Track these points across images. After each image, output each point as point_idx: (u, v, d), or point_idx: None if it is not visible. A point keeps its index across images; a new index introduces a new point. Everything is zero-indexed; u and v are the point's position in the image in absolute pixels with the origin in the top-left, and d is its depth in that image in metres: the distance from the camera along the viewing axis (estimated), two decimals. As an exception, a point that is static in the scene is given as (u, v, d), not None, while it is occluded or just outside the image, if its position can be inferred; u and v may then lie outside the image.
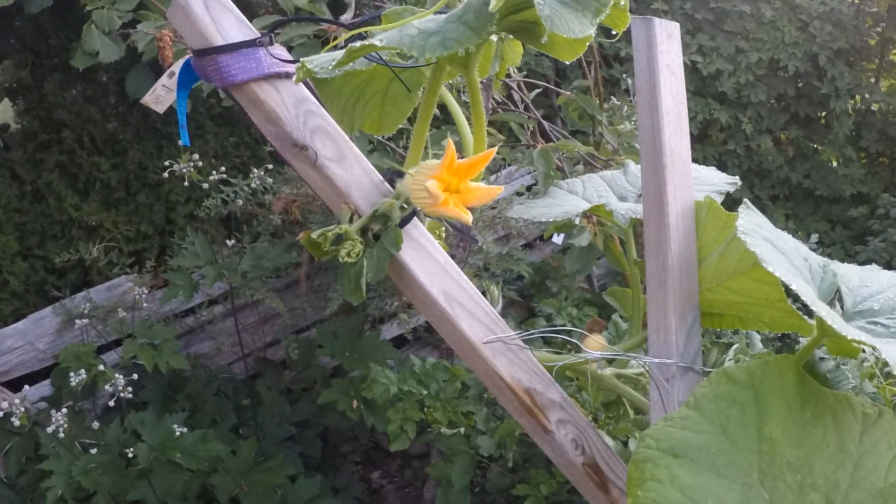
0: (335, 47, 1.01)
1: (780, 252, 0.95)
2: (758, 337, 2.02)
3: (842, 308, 1.01)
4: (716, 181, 1.20)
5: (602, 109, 2.62)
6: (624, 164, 1.37)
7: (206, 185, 2.58)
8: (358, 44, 0.84)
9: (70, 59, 2.56)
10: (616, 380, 1.21)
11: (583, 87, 2.74)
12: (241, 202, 2.78)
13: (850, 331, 0.88)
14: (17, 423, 2.36)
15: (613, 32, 1.02)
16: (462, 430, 2.60)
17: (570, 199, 1.27)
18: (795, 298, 1.01)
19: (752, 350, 1.91)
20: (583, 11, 0.82)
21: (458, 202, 0.94)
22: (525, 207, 1.27)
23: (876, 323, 0.97)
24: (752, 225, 0.95)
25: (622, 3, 0.94)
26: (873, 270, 1.08)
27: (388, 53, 1.00)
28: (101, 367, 2.56)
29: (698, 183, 1.09)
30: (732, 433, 0.87)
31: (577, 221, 2.02)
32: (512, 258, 2.97)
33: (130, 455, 2.40)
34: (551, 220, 1.20)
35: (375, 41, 0.84)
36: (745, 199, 1.00)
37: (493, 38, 1.09)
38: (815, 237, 3.86)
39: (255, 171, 2.72)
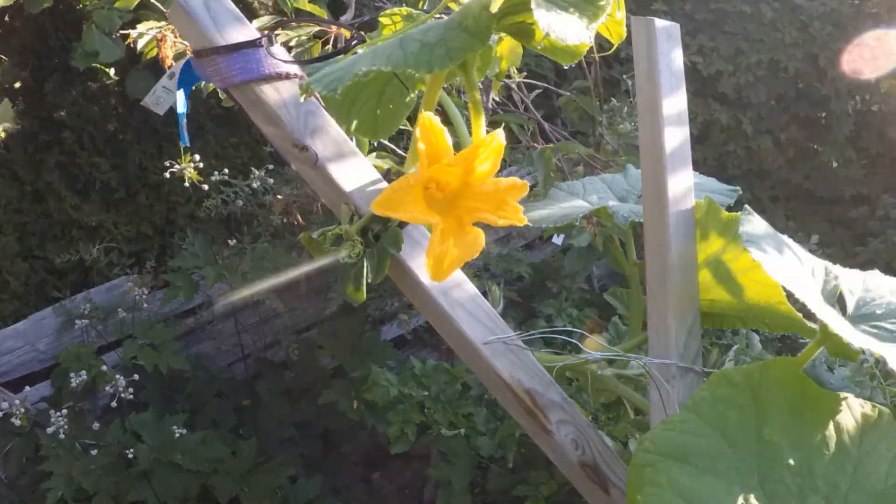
0: (335, 49, 1.01)
1: (782, 257, 0.95)
2: (756, 338, 2.02)
3: (844, 312, 1.01)
4: (716, 188, 1.20)
5: (602, 110, 2.62)
6: (625, 167, 1.37)
7: (206, 186, 2.58)
8: (363, 69, 0.83)
9: (70, 59, 2.56)
10: (616, 380, 1.21)
11: (583, 88, 2.74)
12: (241, 203, 2.78)
13: (856, 336, 0.88)
14: (17, 423, 2.36)
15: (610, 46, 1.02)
16: (462, 431, 2.60)
17: (570, 201, 1.27)
18: (796, 300, 1.01)
19: (751, 351, 1.91)
20: (579, 17, 0.82)
21: (456, 216, 0.89)
22: (525, 210, 1.27)
23: (879, 328, 0.97)
24: (755, 231, 0.95)
25: (618, 16, 0.93)
26: (875, 275, 1.08)
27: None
28: (102, 368, 2.56)
29: (698, 187, 1.09)
30: (732, 436, 0.87)
31: (577, 223, 2.02)
32: (512, 258, 2.98)
33: (131, 456, 2.40)
34: (552, 223, 1.20)
35: (381, 64, 0.83)
36: (746, 205, 1.00)
37: (493, 38, 1.09)
38: (815, 238, 3.87)
39: (256, 171, 2.72)
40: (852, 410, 0.89)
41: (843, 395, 0.90)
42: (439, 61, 0.80)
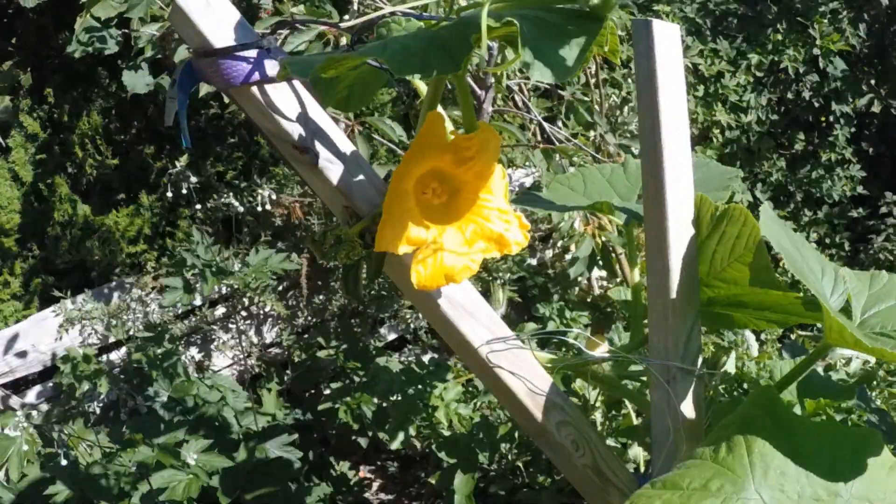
0: (336, 47, 1.00)
1: (794, 253, 0.95)
2: (753, 338, 2.02)
3: (849, 316, 1.01)
4: (715, 182, 1.19)
5: (603, 111, 2.62)
6: (625, 161, 1.36)
7: (207, 187, 2.58)
8: (339, 55, 0.84)
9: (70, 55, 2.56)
10: (618, 381, 1.21)
11: (583, 90, 2.74)
12: (241, 205, 2.78)
13: (867, 340, 0.88)
14: (18, 425, 2.36)
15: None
16: (463, 432, 2.60)
17: (571, 197, 1.27)
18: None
19: (751, 351, 1.91)
20: (568, 48, 0.80)
21: (456, 226, 0.90)
22: (527, 198, 1.27)
23: (885, 335, 0.97)
24: (771, 228, 0.95)
25: (606, 47, 0.92)
26: (881, 277, 1.08)
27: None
28: (103, 370, 2.56)
29: (698, 184, 1.09)
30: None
31: (577, 226, 2.02)
32: (512, 259, 2.98)
33: (131, 458, 2.40)
34: (554, 217, 1.20)
35: (358, 53, 0.83)
36: (766, 202, 1.01)
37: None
38: (814, 236, 3.87)
39: (256, 172, 2.72)
40: (839, 441, 0.88)
41: (825, 422, 0.90)
42: (411, 70, 0.80)
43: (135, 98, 2.84)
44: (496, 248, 0.93)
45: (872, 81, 4.59)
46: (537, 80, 0.78)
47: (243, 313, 3.16)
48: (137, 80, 2.69)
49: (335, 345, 2.89)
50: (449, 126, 0.89)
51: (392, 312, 3.02)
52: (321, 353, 2.96)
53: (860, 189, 4.47)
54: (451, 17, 0.88)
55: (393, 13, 0.96)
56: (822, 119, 4.60)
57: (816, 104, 4.47)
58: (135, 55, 2.40)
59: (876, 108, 4.55)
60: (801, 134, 4.53)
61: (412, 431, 2.53)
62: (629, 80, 3.34)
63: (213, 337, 3.16)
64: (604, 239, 2.29)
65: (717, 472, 0.86)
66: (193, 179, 2.49)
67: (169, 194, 2.87)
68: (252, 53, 0.94)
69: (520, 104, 2.63)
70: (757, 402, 0.92)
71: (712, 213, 1.02)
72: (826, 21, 4.31)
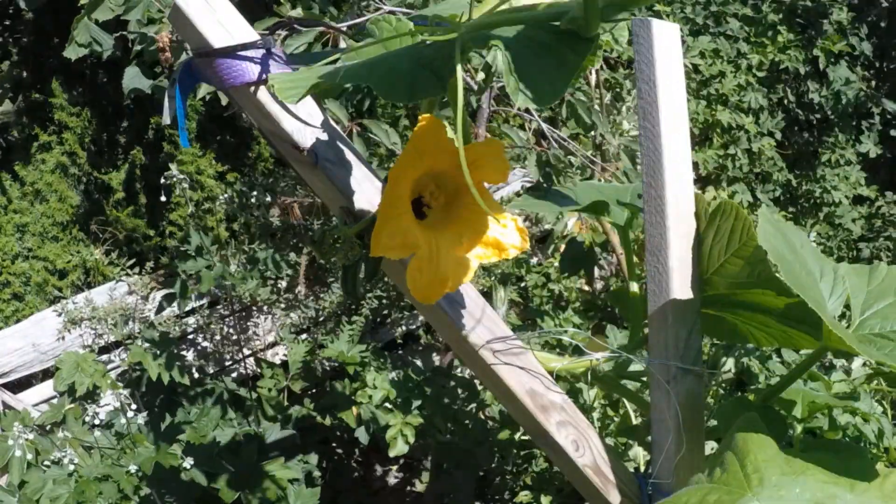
0: (336, 46, 1.00)
1: (792, 261, 0.94)
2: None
3: (849, 320, 1.01)
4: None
5: (603, 112, 2.62)
6: (622, 175, 1.38)
7: (206, 187, 2.58)
8: (325, 82, 0.83)
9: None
10: (618, 381, 1.21)
11: (583, 90, 2.74)
12: (241, 205, 2.78)
13: (864, 349, 0.88)
14: (18, 427, 2.36)
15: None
16: (462, 434, 2.60)
17: (566, 199, 1.28)
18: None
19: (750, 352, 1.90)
20: (556, 70, 0.78)
21: (454, 231, 0.89)
22: (525, 200, 1.28)
23: (884, 336, 0.97)
24: (770, 233, 0.95)
25: (596, 64, 0.92)
26: (880, 271, 1.07)
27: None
28: (102, 371, 2.56)
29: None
30: None
31: (570, 226, 2.02)
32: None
33: (132, 460, 2.40)
34: (547, 211, 1.20)
35: (346, 81, 0.82)
36: (766, 202, 1.00)
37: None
38: (813, 235, 3.87)
39: (256, 171, 2.72)
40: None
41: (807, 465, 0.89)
42: (398, 96, 0.80)
43: (132, 94, 2.84)
44: (494, 253, 0.91)
45: (873, 82, 4.59)
46: (521, 106, 0.77)
47: (243, 313, 3.16)
48: (136, 81, 2.68)
49: (335, 344, 2.89)
50: (449, 133, 0.89)
51: (393, 312, 3.02)
52: (321, 353, 2.96)
53: (860, 189, 4.48)
54: (438, 18, 0.87)
55: (392, 12, 0.96)
56: (822, 119, 4.60)
57: (817, 104, 4.47)
58: (133, 56, 2.40)
59: (876, 109, 4.55)
60: (802, 134, 4.53)
61: (411, 438, 2.53)
62: (629, 81, 3.34)
63: (213, 336, 3.16)
64: (595, 239, 2.31)
65: (714, 489, 0.86)
66: (186, 185, 2.49)
67: (165, 197, 2.87)
68: (252, 54, 0.94)
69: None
70: (743, 422, 0.92)
71: (706, 210, 1.02)
72: (826, 21, 4.32)
